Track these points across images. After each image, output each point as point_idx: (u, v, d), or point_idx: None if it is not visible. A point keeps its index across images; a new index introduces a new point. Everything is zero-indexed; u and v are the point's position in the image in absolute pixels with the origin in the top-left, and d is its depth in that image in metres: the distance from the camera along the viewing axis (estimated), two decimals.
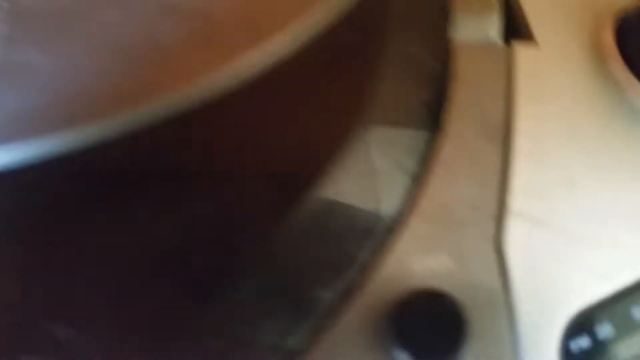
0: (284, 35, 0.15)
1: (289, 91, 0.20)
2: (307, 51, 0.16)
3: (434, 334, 0.17)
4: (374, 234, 0.20)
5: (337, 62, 0.21)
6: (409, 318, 0.17)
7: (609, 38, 0.24)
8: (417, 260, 0.19)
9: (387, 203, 0.20)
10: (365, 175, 0.21)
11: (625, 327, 0.19)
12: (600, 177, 0.21)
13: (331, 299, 0.18)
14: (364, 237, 0.20)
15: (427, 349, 0.17)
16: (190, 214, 0.19)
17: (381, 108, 0.21)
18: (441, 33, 0.23)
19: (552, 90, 0.23)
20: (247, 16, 0.16)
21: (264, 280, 0.18)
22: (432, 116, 0.21)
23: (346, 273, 0.19)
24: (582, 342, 0.19)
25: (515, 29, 0.25)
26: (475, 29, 0.24)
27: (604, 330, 0.19)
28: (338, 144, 0.20)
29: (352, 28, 0.19)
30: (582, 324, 0.19)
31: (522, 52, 0.24)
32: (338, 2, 0.16)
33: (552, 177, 0.21)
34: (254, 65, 0.15)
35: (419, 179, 0.20)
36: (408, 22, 0.23)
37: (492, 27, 0.24)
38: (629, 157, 0.21)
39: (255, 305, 0.18)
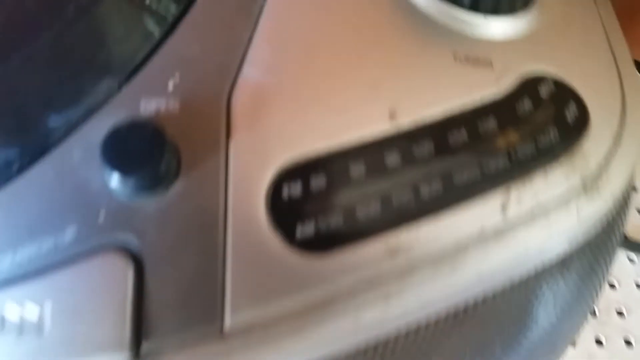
0: None
1: None
2: None
3: (138, 153, 0.18)
4: (118, 69, 0.21)
5: None
6: (114, 140, 0.19)
7: None
8: (146, 101, 0.20)
9: (144, 40, 0.21)
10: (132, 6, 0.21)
11: (340, 181, 0.20)
12: (342, 50, 0.22)
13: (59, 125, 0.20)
14: (108, 70, 0.21)
15: (129, 166, 0.18)
16: None
17: None
18: None
19: None
20: None
21: None
22: None
23: (79, 104, 0.20)
24: (293, 189, 0.20)
25: None
26: None
27: (318, 181, 0.21)
28: None
29: None
30: (295, 170, 0.20)
31: None
32: None
33: (294, 45, 0.22)
34: None
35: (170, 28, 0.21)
36: None
37: None
38: (374, 38, 0.22)
39: None
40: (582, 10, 0.25)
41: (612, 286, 0.47)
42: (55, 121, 0.20)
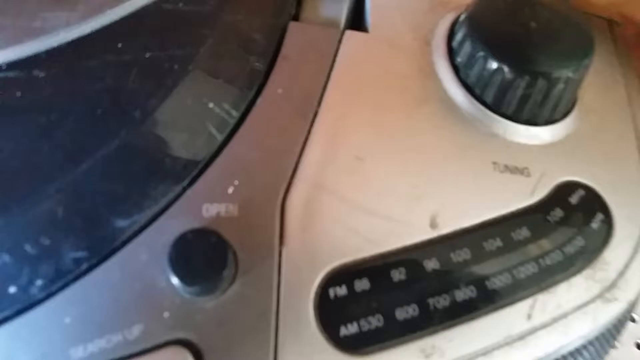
0: None
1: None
2: None
3: (202, 262, 0.20)
4: (182, 174, 0.22)
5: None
6: (181, 249, 0.20)
7: (440, 37, 0.25)
8: (208, 206, 0.22)
9: (206, 145, 0.22)
10: (196, 113, 0.23)
11: (381, 284, 0.23)
12: (389, 158, 0.23)
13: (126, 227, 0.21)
14: (172, 175, 0.22)
15: (194, 275, 0.20)
16: None
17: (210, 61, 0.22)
18: (275, 12, 0.25)
19: (367, 76, 0.25)
20: None
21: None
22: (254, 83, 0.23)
23: (146, 207, 0.21)
24: (339, 291, 0.22)
25: None
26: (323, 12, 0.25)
27: (361, 284, 0.23)
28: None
29: None
30: (341, 274, 0.22)
31: (350, 38, 0.25)
32: None
33: (344, 152, 0.23)
34: None
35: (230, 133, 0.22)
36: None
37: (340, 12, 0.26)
38: (420, 144, 0.24)
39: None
40: (617, 114, 0.26)
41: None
42: (122, 224, 0.21)
